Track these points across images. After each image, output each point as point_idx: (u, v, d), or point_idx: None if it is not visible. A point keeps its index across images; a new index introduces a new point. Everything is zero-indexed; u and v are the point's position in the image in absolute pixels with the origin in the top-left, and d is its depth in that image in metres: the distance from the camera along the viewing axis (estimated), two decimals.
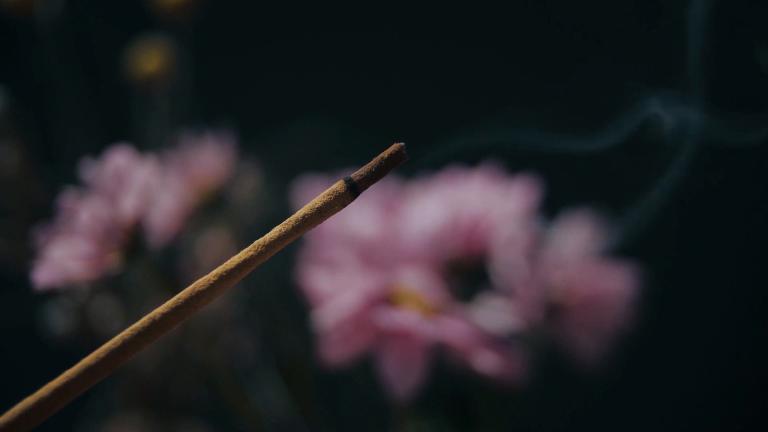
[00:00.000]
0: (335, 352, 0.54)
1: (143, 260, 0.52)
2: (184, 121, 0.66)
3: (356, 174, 0.33)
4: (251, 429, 0.59)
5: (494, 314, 0.56)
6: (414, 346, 0.53)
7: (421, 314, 0.54)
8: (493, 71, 0.84)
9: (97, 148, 0.52)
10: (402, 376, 0.53)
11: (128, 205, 0.51)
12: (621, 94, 0.41)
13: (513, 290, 0.57)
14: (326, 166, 0.58)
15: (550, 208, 0.61)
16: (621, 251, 0.63)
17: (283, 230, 0.34)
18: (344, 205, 0.34)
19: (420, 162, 0.36)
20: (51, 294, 0.61)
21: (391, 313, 0.53)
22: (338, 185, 0.33)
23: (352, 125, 0.66)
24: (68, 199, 0.51)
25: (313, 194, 0.57)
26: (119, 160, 0.51)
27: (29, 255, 0.54)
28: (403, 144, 0.33)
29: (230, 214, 0.66)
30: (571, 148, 0.39)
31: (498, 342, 0.54)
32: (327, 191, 0.34)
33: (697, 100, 0.40)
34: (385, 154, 0.33)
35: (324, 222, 0.34)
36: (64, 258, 0.50)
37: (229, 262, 0.34)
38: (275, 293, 0.63)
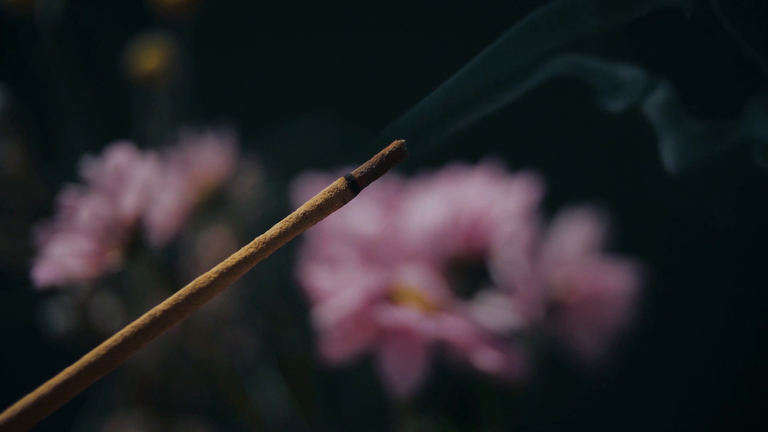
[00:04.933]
0: (336, 349, 0.54)
1: (144, 258, 0.52)
2: (185, 119, 0.66)
3: (357, 171, 0.33)
4: (252, 427, 0.59)
5: (495, 312, 0.56)
6: (414, 344, 0.53)
7: (421, 312, 0.54)
8: None
9: (98, 146, 0.52)
10: (402, 374, 0.53)
11: (129, 202, 0.51)
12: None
13: (514, 288, 0.57)
14: (327, 164, 0.58)
15: (550, 206, 0.61)
16: (621, 249, 0.63)
17: (283, 227, 0.34)
18: (345, 202, 0.34)
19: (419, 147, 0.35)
20: (51, 292, 0.61)
21: (392, 310, 0.53)
22: (339, 182, 0.33)
23: (352, 123, 0.66)
24: (69, 197, 0.51)
25: (314, 192, 0.57)
26: (120, 157, 0.51)
27: (30, 253, 0.54)
28: (403, 141, 0.33)
29: (231, 212, 0.66)
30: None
31: (499, 339, 0.54)
32: (328, 188, 0.34)
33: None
34: (386, 151, 0.33)
35: (325, 219, 0.34)
36: (65, 256, 0.50)
37: (229, 259, 0.34)
38: (276, 291, 0.63)
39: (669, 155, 0.39)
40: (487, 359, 0.53)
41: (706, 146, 0.40)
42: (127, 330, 0.34)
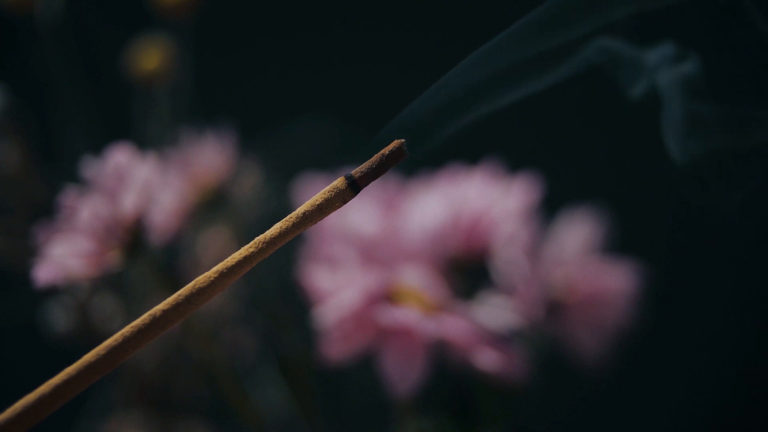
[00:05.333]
0: (336, 349, 0.54)
1: (144, 258, 0.52)
2: (185, 119, 0.66)
3: (357, 170, 0.33)
4: (252, 427, 0.59)
5: (495, 312, 0.56)
6: (414, 344, 0.53)
7: (421, 312, 0.54)
8: None
9: (98, 146, 0.52)
10: (403, 374, 0.53)
11: (129, 202, 0.51)
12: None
13: (514, 288, 0.57)
14: (327, 164, 0.58)
15: (550, 206, 0.61)
16: (621, 249, 0.63)
17: (283, 227, 0.34)
18: (345, 202, 0.34)
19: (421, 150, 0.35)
20: (51, 292, 0.61)
21: (392, 310, 0.53)
22: (339, 182, 0.33)
23: (352, 122, 0.66)
24: (69, 197, 0.51)
25: (314, 191, 0.57)
26: (120, 157, 0.51)
27: (30, 253, 0.54)
28: (403, 141, 0.33)
29: (231, 212, 0.66)
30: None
31: (499, 339, 0.54)
32: (327, 188, 0.34)
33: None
34: (386, 150, 0.33)
35: (324, 219, 0.34)
36: (65, 256, 0.50)
37: (229, 258, 0.34)
38: (276, 291, 0.63)
39: (684, 143, 0.39)
40: (487, 359, 0.53)
41: (724, 137, 0.39)
42: (127, 330, 0.34)
